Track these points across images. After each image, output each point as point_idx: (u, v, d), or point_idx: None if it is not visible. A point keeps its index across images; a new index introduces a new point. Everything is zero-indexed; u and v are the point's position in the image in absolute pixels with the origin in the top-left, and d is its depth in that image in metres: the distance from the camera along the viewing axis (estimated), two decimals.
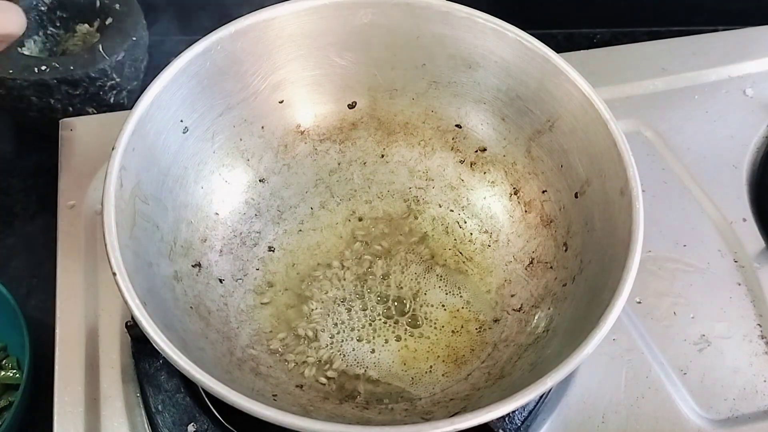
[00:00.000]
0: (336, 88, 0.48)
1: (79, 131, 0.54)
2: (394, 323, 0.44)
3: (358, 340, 0.43)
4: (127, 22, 0.59)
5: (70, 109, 0.56)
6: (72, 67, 0.56)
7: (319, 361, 0.42)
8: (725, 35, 0.64)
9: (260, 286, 0.45)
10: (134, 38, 0.59)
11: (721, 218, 0.52)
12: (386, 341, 0.43)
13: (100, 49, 0.56)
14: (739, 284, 0.49)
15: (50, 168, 0.53)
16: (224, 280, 0.44)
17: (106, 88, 0.58)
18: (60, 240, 0.49)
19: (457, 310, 0.45)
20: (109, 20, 0.60)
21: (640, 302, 0.48)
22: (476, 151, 0.48)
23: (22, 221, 0.58)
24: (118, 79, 0.58)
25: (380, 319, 0.44)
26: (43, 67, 0.55)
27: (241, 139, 0.46)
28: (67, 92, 0.56)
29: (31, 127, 0.62)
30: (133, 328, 0.42)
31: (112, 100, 0.59)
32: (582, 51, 0.61)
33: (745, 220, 0.52)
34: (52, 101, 0.56)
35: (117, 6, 0.60)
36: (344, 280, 0.46)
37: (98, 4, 0.61)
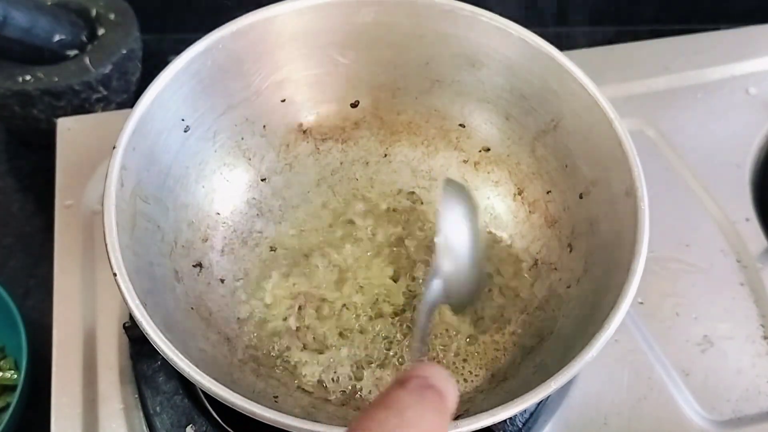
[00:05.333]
0: (338, 87, 0.47)
1: (77, 130, 0.54)
2: (399, 325, 0.44)
3: (360, 341, 0.43)
4: (119, 34, 0.58)
5: (54, 119, 0.54)
6: (56, 79, 0.55)
7: (322, 362, 0.42)
8: (728, 34, 0.64)
9: (262, 287, 0.45)
10: (124, 51, 0.57)
11: (724, 218, 0.52)
12: (390, 345, 0.43)
13: (87, 61, 0.56)
14: (742, 284, 0.49)
15: (47, 168, 0.53)
16: (225, 280, 0.44)
17: (92, 100, 0.57)
18: (57, 240, 0.48)
19: (462, 314, 0.44)
20: (101, 31, 0.59)
21: (642, 303, 0.48)
22: (480, 151, 0.48)
23: (20, 221, 0.57)
24: (105, 92, 0.57)
25: (384, 322, 0.44)
26: (27, 77, 0.54)
27: (242, 138, 0.46)
28: (50, 103, 0.55)
29: (18, 133, 0.61)
30: (131, 329, 0.42)
31: (99, 113, 0.57)
32: (584, 49, 0.61)
33: (748, 220, 0.52)
34: (35, 111, 0.55)
35: (112, 16, 0.59)
36: (346, 281, 0.45)
37: (94, 12, 0.60)
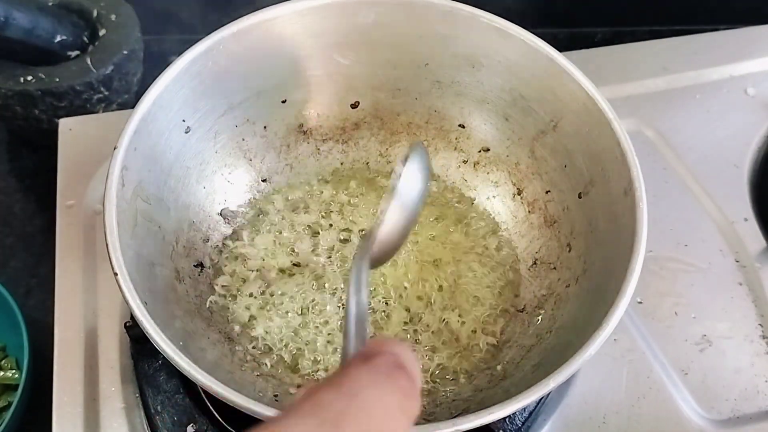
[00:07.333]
0: (339, 88, 0.47)
1: (78, 131, 0.54)
2: (402, 327, 0.44)
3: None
4: (120, 35, 0.58)
5: (56, 120, 0.55)
6: (57, 79, 0.55)
7: (323, 362, 0.42)
8: (726, 34, 0.64)
9: (263, 287, 0.45)
10: (125, 51, 0.57)
11: (722, 218, 0.52)
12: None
13: (88, 62, 0.56)
14: (741, 284, 0.49)
15: (49, 168, 0.53)
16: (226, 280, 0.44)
17: (93, 100, 0.57)
18: (59, 240, 0.48)
19: (460, 315, 0.44)
20: (102, 31, 0.59)
21: (641, 302, 0.48)
22: (479, 151, 0.48)
23: (21, 221, 0.58)
24: (106, 92, 0.57)
25: (384, 324, 0.44)
26: (29, 78, 0.55)
27: (243, 139, 0.46)
28: (52, 104, 0.55)
29: (19, 134, 0.61)
30: (132, 328, 0.42)
31: (100, 113, 0.57)
32: (583, 50, 0.61)
33: (746, 219, 0.52)
34: (37, 111, 0.55)
35: (113, 17, 0.59)
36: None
37: (95, 13, 0.60)
